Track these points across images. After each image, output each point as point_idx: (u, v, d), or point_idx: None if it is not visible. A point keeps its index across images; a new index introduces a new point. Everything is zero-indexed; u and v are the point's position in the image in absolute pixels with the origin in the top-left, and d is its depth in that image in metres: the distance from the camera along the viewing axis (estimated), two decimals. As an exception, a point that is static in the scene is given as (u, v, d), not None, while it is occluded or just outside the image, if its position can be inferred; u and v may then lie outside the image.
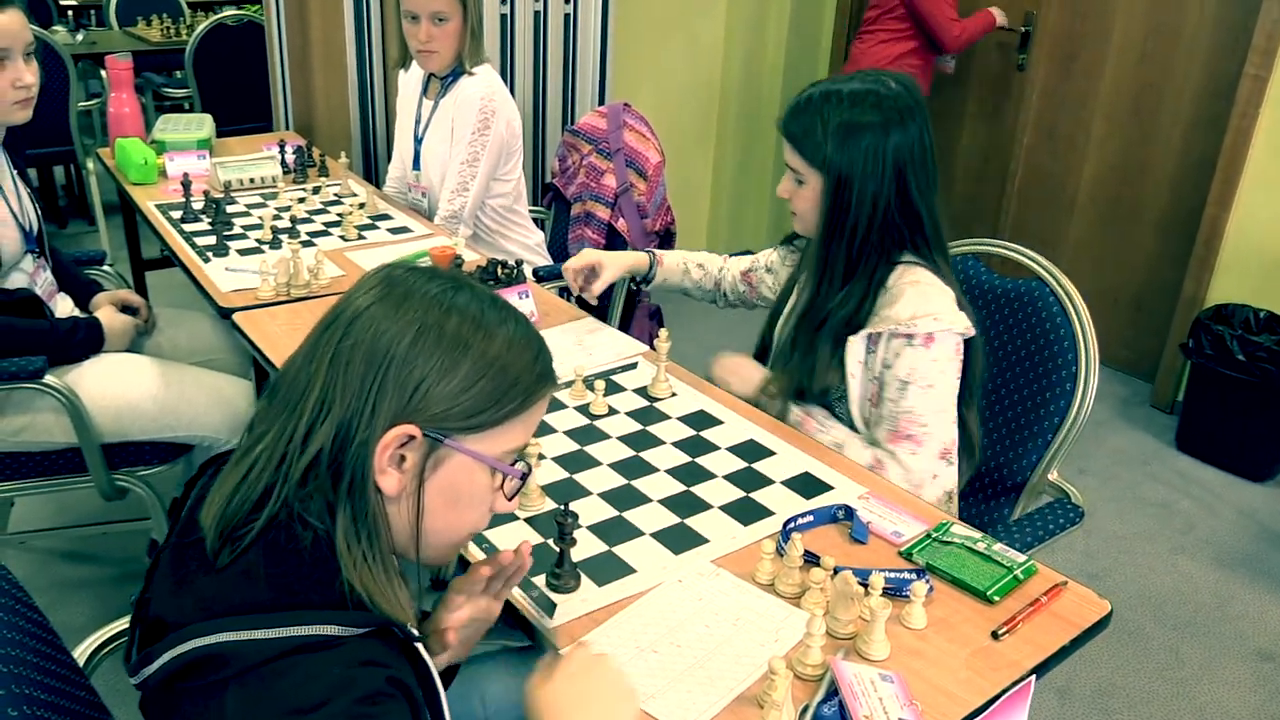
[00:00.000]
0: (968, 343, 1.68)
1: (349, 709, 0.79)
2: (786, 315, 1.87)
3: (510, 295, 2.05)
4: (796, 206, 1.74)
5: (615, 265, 2.06)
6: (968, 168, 4.22)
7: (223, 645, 0.81)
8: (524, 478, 0.99)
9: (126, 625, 1.27)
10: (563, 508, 1.28)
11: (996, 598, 1.29)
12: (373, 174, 3.50)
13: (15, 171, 2.19)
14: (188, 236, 2.45)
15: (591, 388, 1.75)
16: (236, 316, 2.04)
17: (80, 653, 1.19)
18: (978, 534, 1.41)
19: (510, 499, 1.00)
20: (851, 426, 1.72)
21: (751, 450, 1.63)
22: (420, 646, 0.91)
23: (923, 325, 1.62)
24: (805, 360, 1.74)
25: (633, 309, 2.95)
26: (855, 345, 1.68)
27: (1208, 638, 2.58)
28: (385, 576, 0.90)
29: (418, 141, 2.79)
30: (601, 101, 3.68)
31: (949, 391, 1.65)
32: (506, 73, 3.51)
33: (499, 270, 2.14)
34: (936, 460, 1.63)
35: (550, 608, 1.25)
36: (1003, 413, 1.89)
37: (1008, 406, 1.89)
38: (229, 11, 4.50)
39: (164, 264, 2.84)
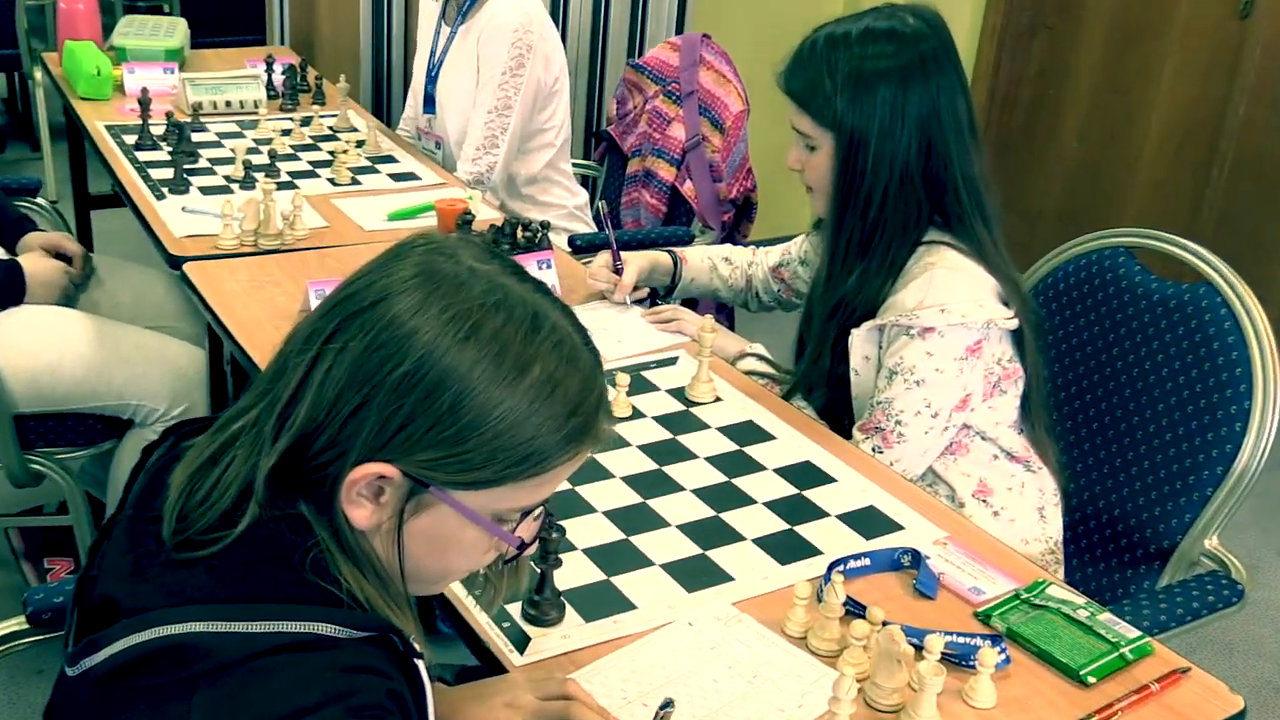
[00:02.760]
0: (1017, 338, 1.75)
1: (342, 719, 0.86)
2: None
3: (527, 264, 2.14)
4: (811, 179, 1.84)
5: (634, 261, 2.16)
6: (1161, 143, 4.20)
7: (195, 636, 0.86)
8: (523, 548, 1.05)
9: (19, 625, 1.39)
10: (547, 519, 1.35)
11: (1092, 679, 1.33)
12: (384, 109, 3.63)
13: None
14: (141, 167, 2.60)
15: (613, 383, 1.82)
16: (188, 267, 2.17)
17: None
18: (1081, 599, 1.45)
19: (508, 562, 1.06)
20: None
21: (805, 474, 1.69)
22: (420, 664, 0.99)
23: (925, 316, 1.70)
24: (816, 356, 1.81)
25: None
26: (860, 338, 1.78)
27: None
28: (382, 586, 0.98)
29: (431, 79, 2.90)
30: (679, 31, 3.76)
31: (943, 395, 1.74)
32: (560, -14, 3.61)
33: (518, 232, 2.24)
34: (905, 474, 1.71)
35: (521, 643, 1.33)
36: (1149, 456, 1.92)
37: (1156, 450, 1.91)
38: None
39: (114, 202, 3.00)
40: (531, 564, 1.37)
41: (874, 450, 1.77)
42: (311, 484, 0.95)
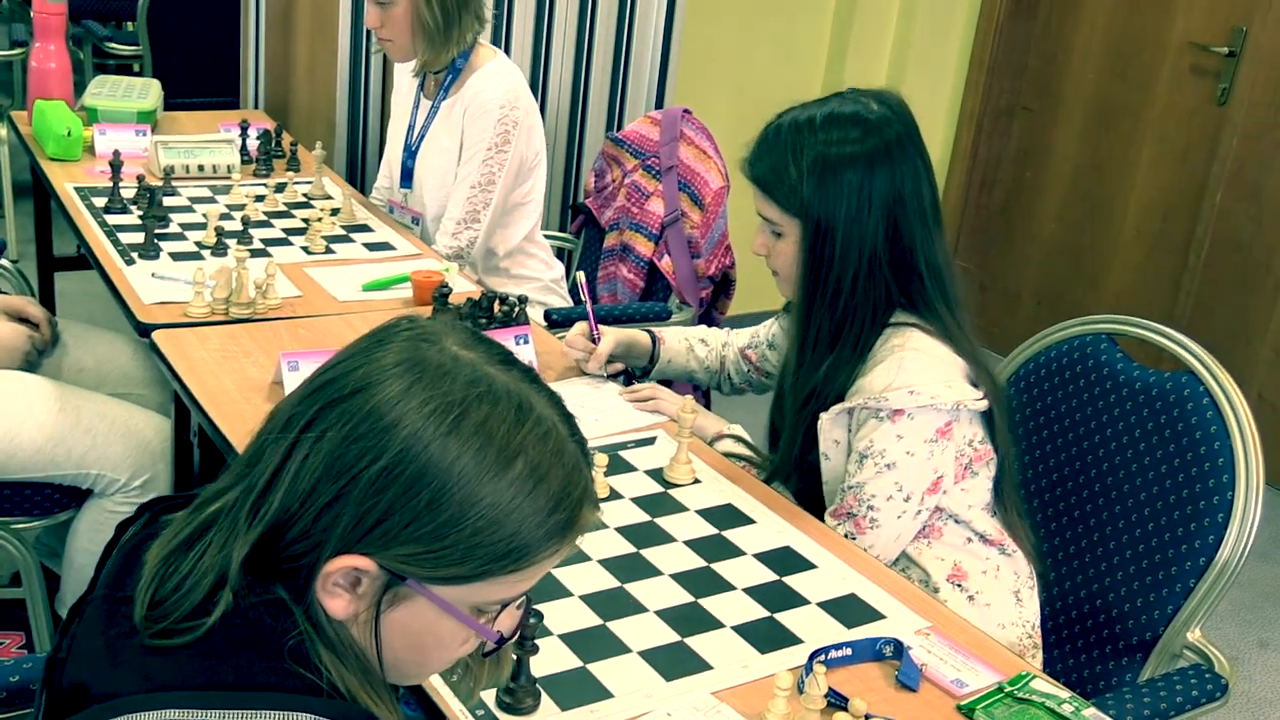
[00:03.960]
0: (988, 419, 1.79)
1: None
2: None
3: (504, 339, 2.15)
4: (777, 265, 1.87)
5: (611, 333, 2.19)
6: (1140, 227, 4.27)
7: None
8: (502, 641, 1.04)
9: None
10: (525, 605, 1.35)
11: (1078, 776, 1.33)
12: (358, 176, 3.65)
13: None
14: (110, 231, 2.60)
15: (591, 463, 1.82)
16: (157, 335, 2.16)
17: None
18: (1065, 692, 1.46)
19: (485, 656, 1.06)
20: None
21: (786, 560, 1.69)
22: None
23: (894, 399, 1.73)
24: (790, 444, 1.84)
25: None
26: (830, 421, 1.81)
27: None
28: (364, 674, 0.98)
29: (410, 153, 2.93)
30: (660, 105, 3.81)
31: (915, 478, 1.76)
32: (540, 59, 3.66)
33: (495, 306, 2.25)
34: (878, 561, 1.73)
35: (496, 730, 1.32)
36: (1131, 545, 1.93)
37: (1138, 539, 1.92)
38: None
39: (80, 264, 2.99)
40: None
41: (847, 536, 1.78)
42: (287, 573, 0.95)
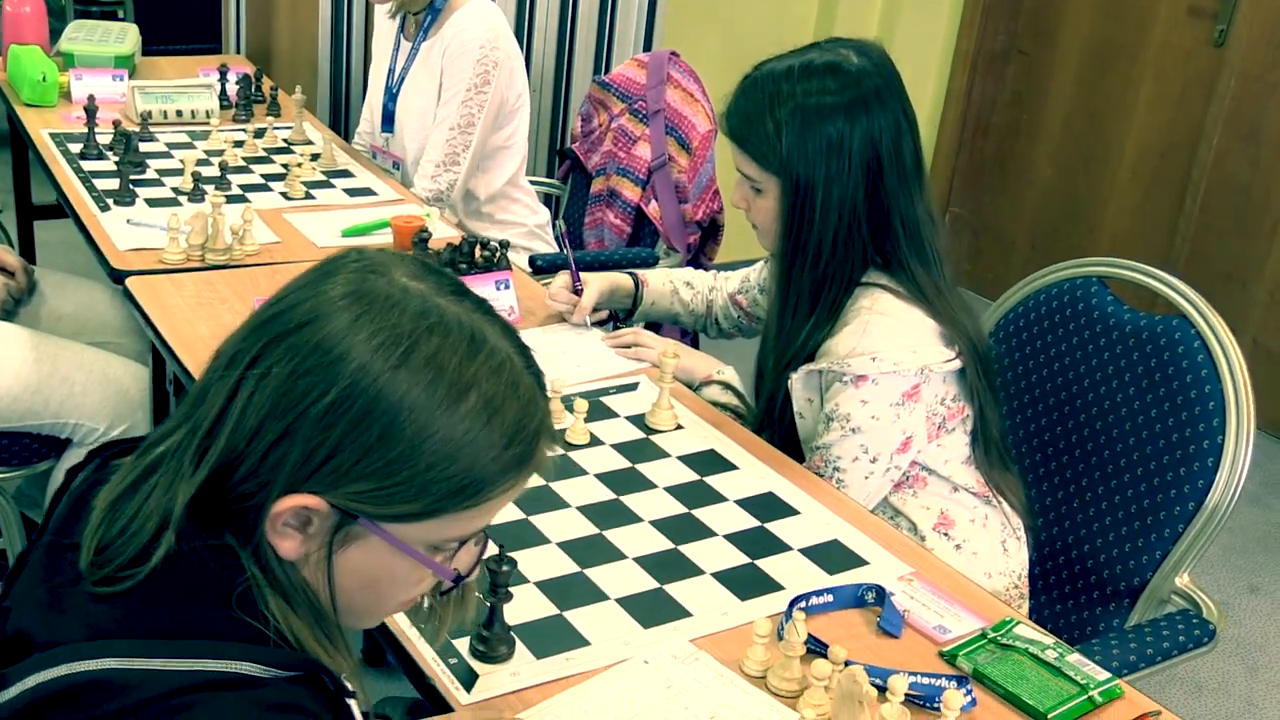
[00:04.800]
0: (964, 376, 1.77)
1: None
2: None
3: (485, 284, 2.12)
4: (756, 219, 1.84)
5: (594, 283, 2.15)
6: (1136, 170, 4.24)
7: (110, 673, 0.85)
8: (459, 579, 1.02)
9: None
10: (497, 551, 1.33)
11: (1060, 722, 1.32)
12: (341, 121, 3.61)
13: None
14: (86, 177, 2.57)
15: (571, 409, 1.81)
16: (131, 281, 2.14)
17: None
18: (1049, 639, 1.44)
19: (444, 594, 1.04)
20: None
21: (768, 506, 1.67)
22: (354, 704, 0.97)
23: (856, 365, 1.71)
24: (770, 399, 1.84)
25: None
26: (800, 381, 1.79)
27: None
28: (315, 620, 0.96)
29: (390, 96, 2.88)
30: (647, 48, 3.77)
31: (881, 440, 1.75)
32: (526, 1, 3.60)
33: (475, 251, 2.22)
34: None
35: (469, 680, 1.30)
36: (1119, 491, 1.91)
37: (1126, 484, 1.91)
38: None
39: (59, 213, 2.96)
40: (480, 597, 1.35)
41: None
42: (235, 515, 0.93)
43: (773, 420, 1.89)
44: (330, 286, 0.94)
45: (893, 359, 1.71)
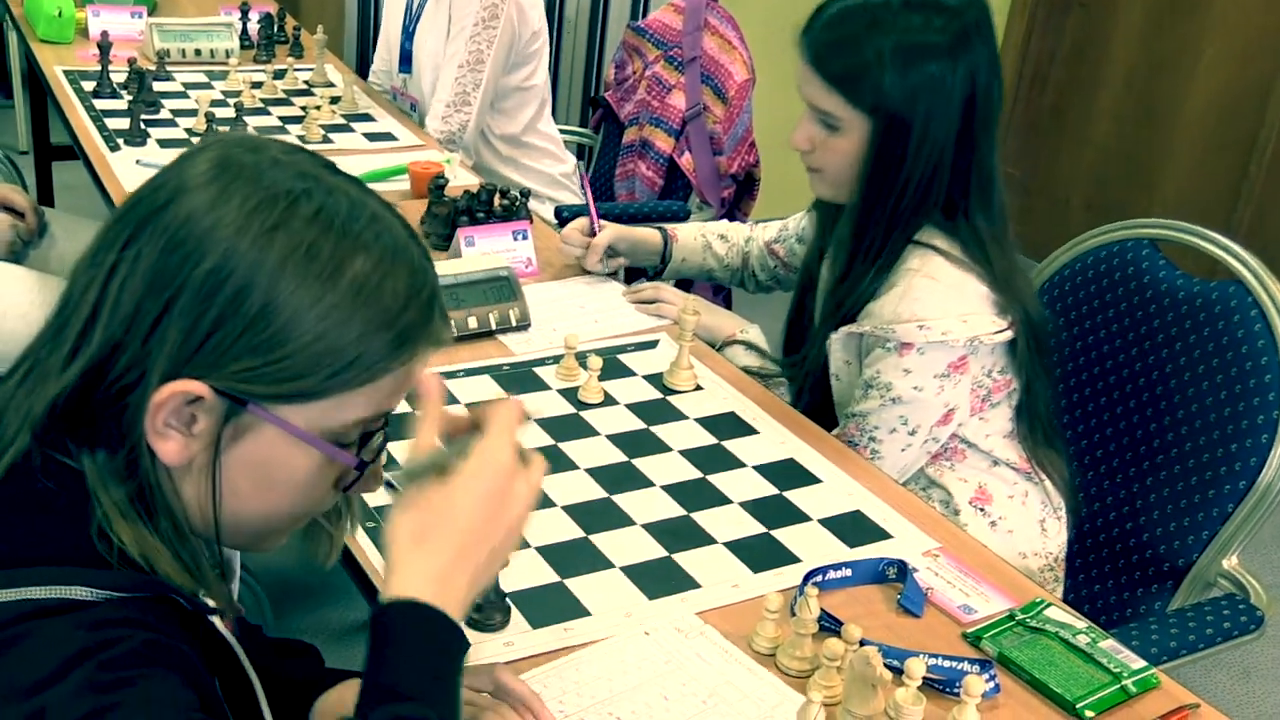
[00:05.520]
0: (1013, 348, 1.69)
1: (91, 678, 0.79)
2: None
3: (501, 234, 2.06)
4: (824, 161, 1.72)
5: (610, 227, 2.07)
6: (1199, 129, 4.12)
7: None
8: (362, 467, 0.96)
9: None
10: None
11: (1090, 713, 1.25)
12: (367, 64, 3.55)
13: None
14: (97, 116, 2.53)
15: (585, 365, 1.75)
16: (137, 225, 2.09)
17: None
18: (1082, 622, 1.37)
19: (347, 489, 0.98)
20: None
21: (788, 473, 1.61)
22: (218, 621, 0.92)
23: (901, 331, 1.63)
24: (813, 358, 1.77)
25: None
26: (839, 342, 1.72)
27: None
28: (178, 546, 0.91)
29: (407, 35, 2.82)
30: (687, -9, 3.67)
31: (922, 413, 1.67)
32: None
33: (494, 199, 2.16)
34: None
35: (460, 648, 1.25)
36: (1166, 466, 1.84)
37: (1174, 460, 1.83)
38: None
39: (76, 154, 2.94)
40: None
41: None
42: (109, 417, 0.89)
43: (806, 377, 1.82)
44: (195, 164, 0.91)
45: (941, 328, 1.62)
